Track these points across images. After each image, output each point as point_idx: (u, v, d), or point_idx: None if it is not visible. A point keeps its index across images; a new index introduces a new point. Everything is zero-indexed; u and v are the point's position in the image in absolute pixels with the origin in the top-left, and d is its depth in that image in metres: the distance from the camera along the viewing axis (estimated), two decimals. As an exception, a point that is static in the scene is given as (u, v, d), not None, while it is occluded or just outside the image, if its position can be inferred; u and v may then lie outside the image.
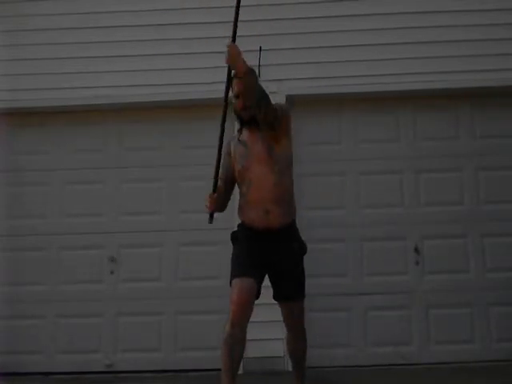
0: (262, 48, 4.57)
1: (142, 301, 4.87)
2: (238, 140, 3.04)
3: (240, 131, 3.06)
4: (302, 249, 3.05)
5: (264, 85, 2.87)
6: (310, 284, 4.71)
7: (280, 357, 4.54)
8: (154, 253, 4.95)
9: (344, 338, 4.79)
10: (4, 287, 4.91)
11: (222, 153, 3.00)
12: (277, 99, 4.87)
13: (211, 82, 4.62)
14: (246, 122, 2.99)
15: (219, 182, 3.04)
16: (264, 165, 2.92)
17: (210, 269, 4.82)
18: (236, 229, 3.07)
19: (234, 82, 2.93)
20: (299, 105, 4.94)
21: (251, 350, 4.46)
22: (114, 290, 4.91)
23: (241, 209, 3.02)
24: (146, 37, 4.99)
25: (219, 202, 3.02)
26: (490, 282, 4.80)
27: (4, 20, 5.10)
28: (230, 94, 2.98)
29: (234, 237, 3.04)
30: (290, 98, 4.80)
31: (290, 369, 4.53)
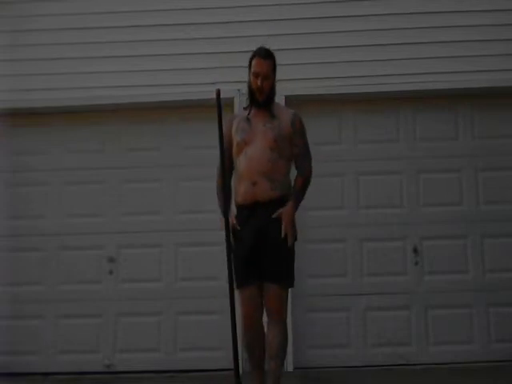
0: (262, 48, 4.60)
1: (141, 301, 4.87)
2: (247, 117, 3.04)
3: (248, 108, 3.06)
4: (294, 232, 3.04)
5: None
6: (310, 284, 4.77)
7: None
8: (154, 253, 4.95)
9: (343, 339, 4.78)
10: (4, 287, 4.91)
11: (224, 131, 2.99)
12: (276, 99, 4.89)
13: (211, 83, 4.62)
14: (258, 104, 3.00)
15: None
16: (265, 141, 2.96)
17: (209, 269, 4.81)
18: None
19: (256, 61, 2.97)
20: (299, 105, 4.93)
21: (251, 350, 4.46)
22: (113, 290, 4.91)
23: (234, 188, 3.05)
24: (146, 37, 4.98)
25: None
26: (489, 283, 4.81)
27: (4, 20, 5.10)
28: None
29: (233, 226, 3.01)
30: (289, 99, 4.80)
31: (291, 369, 4.56)
